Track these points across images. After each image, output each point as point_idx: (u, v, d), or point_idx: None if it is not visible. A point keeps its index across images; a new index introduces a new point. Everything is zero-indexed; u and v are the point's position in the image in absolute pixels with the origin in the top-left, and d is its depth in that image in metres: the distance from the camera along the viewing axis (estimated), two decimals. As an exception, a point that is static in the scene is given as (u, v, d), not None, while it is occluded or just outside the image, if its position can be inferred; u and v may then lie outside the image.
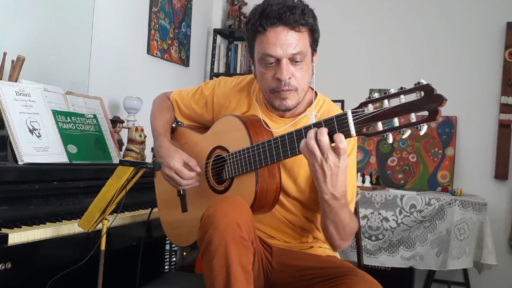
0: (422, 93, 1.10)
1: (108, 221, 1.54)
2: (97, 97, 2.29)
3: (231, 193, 1.49)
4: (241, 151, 1.45)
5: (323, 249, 1.59)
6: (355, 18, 3.92)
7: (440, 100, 1.08)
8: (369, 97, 1.18)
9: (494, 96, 3.54)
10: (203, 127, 1.74)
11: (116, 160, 2.16)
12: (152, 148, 1.85)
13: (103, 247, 1.54)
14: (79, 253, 1.57)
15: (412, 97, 1.12)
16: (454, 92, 3.41)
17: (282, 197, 1.49)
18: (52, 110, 1.96)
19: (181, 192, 1.67)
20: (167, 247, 2.71)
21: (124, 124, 2.62)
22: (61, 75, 2.44)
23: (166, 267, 2.74)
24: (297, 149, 1.32)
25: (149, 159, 2.56)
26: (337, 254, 1.64)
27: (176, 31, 3.56)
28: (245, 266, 1.25)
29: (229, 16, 4.10)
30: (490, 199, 3.25)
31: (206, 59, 4.08)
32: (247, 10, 3.99)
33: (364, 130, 1.19)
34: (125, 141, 2.52)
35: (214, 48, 4.02)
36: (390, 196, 3.07)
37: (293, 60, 1.42)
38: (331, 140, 1.23)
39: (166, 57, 3.46)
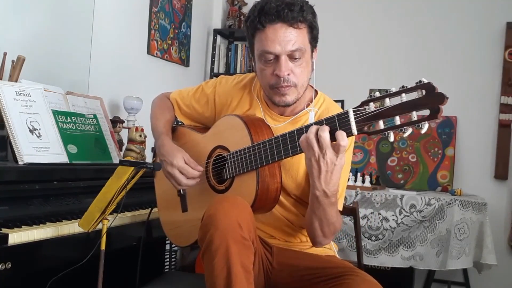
0: (424, 91, 1.10)
1: (108, 221, 1.54)
2: (97, 97, 2.29)
3: (231, 193, 1.49)
4: (242, 150, 1.45)
5: (323, 249, 1.59)
6: (355, 18, 3.92)
7: (442, 98, 1.08)
8: (370, 96, 1.18)
9: (494, 96, 3.54)
10: (204, 127, 1.75)
11: (116, 160, 2.16)
12: (152, 148, 1.85)
13: (103, 247, 1.54)
14: (79, 253, 1.57)
15: (413, 95, 1.12)
16: (454, 92, 3.40)
17: (282, 197, 1.49)
18: (52, 110, 1.96)
19: (181, 192, 1.67)
20: (167, 247, 2.71)
21: (124, 124, 2.62)
22: (61, 75, 2.44)
23: (166, 267, 2.74)
24: (298, 148, 1.33)
25: (149, 159, 2.56)
26: (337, 254, 1.64)
27: (176, 31, 3.56)
28: (246, 266, 1.25)
29: (229, 16, 4.10)
30: (490, 199, 3.25)
31: (206, 59, 4.08)
32: (247, 10, 3.99)
33: (366, 128, 1.20)
34: (125, 141, 2.52)
35: (214, 48, 4.02)
36: (390, 196, 3.07)
37: (292, 56, 1.43)
38: (333, 137, 1.23)
39: (166, 57, 3.46)
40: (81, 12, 2.64)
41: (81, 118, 2.09)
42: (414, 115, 1.12)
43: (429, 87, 1.10)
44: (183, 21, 3.65)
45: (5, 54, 1.99)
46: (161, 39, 3.38)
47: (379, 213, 3.06)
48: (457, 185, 3.44)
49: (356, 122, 1.20)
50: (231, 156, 1.49)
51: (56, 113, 1.97)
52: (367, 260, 2.99)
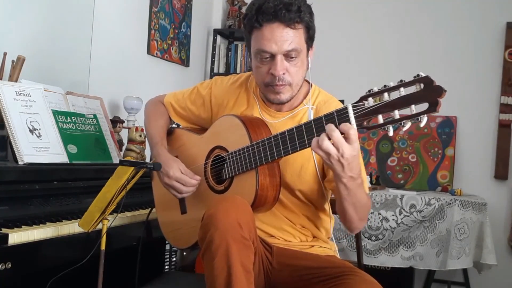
0: (422, 85, 1.11)
1: (108, 221, 1.54)
2: (97, 97, 2.29)
3: (231, 193, 1.49)
4: (240, 149, 1.45)
5: (323, 249, 1.59)
6: (355, 18, 3.91)
7: (440, 91, 1.09)
8: (369, 91, 1.19)
9: (494, 96, 3.54)
10: (201, 128, 1.74)
11: (116, 160, 2.16)
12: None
13: (103, 247, 1.54)
14: (79, 253, 1.57)
15: (412, 89, 1.13)
16: (454, 92, 3.40)
17: (281, 195, 1.49)
18: (52, 110, 1.96)
19: None
20: (167, 247, 2.70)
21: (124, 124, 2.62)
22: (61, 75, 2.44)
23: (166, 267, 2.74)
24: (297, 146, 1.33)
25: (149, 159, 2.56)
26: (337, 254, 1.64)
27: (176, 31, 3.56)
28: (246, 265, 1.25)
29: (229, 16, 4.10)
30: (490, 199, 3.25)
31: (206, 59, 4.08)
32: (247, 10, 3.99)
33: (365, 123, 1.20)
34: (125, 141, 2.52)
35: (214, 48, 4.02)
36: (390, 196, 3.07)
37: (287, 56, 1.43)
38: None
39: (166, 57, 3.46)
40: (81, 12, 2.64)
41: (81, 118, 2.09)
42: (413, 109, 1.12)
43: (427, 81, 1.10)
44: (183, 21, 3.65)
45: (5, 54, 1.99)
46: (161, 39, 3.38)
47: (379, 213, 3.06)
48: (457, 185, 3.44)
49: (356, 117, 1.20)
50: (230, 156, 1.49)
51: (56, 113, 1.97)
52: (367, 260, 3.00)
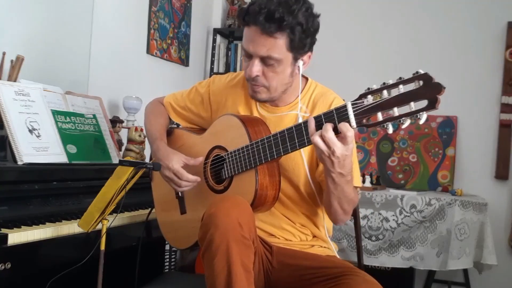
0: (421, 82, 1.11)
1: (108, 221, 1.54)
2: (96, 97, 2.28)
3: (230, 192, 1.49)
4: (240, 149, 1.45)
5: (323, 249, 1.59)
6: (355, 18, 3.91)
7: (439, 88, 1.09)
8: (368, 89, 1.19)
9: (495, 96, 3.53)
10: (201, 128, 1.74)
11: (115, 160, 2.15)
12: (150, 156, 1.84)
13: (102, 247, 1.53)
14: (79, 253, 1.57)
15: (411, 87, 1.13)
16: (455, 92, 3.40)
17: (281, 194, 1.49)
18: (51, 110, 1.95)
19: (180, 194, 1.66)
20: (167, 247, 2.70)
21: (124, 124, 2.62)
22: (60, 75, 2.44)
23: (166, 267, 2.74)
24: (297, 144, 1.33)
25: (148, 159, 2.55)
26: (337, 254, 1.64)
27: (176, 30, 3.56)
28: (246, 265, 1.25)
29: (229, 15, 4.09)
30: (491, 199, 3.24)
31: (206, 59, 4.07)
32: (247, 10, 3.98)
33: (364, 121, 1.20)
34: (124, 141, 2.52)
35: (214, 48, 4.02)
36: (390, 196, 3.06)
37: (264, 61, 1.43)
38: (335, 129, 1.23)
39: (166, 56, 3.45)
40: (81, 12, 2.63)
41: (81, 118, 2.08)
42: (412, 106, 1.13)
43: (426, 78, 1.10)
44: (182, 21, 3.64)
45: (4, 53, 1.99)
46: (161, 39, 3.38)
47: (380, 213, 3.05)
48: (458, 185, 3.44)
49: (355, 115, 1.20)
50: (229, 155, 1.49)
51: (55, 113, 1.97)
52: (368, 261, 2.99)
